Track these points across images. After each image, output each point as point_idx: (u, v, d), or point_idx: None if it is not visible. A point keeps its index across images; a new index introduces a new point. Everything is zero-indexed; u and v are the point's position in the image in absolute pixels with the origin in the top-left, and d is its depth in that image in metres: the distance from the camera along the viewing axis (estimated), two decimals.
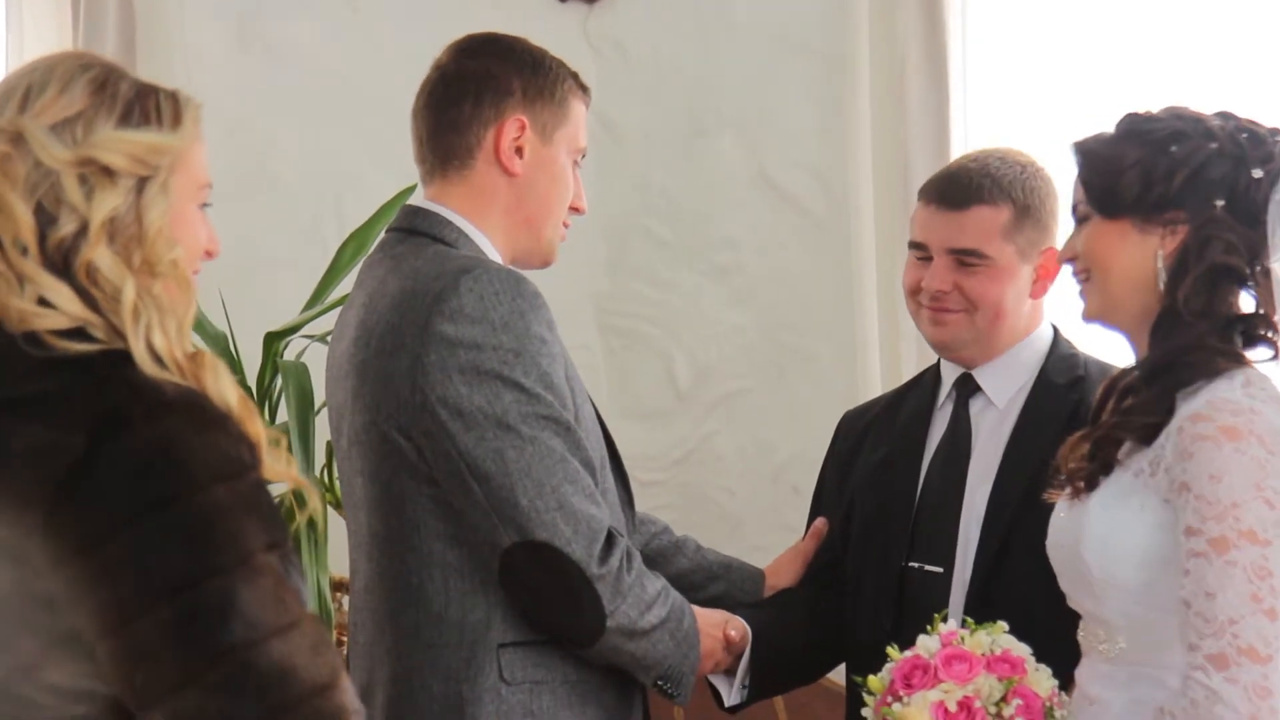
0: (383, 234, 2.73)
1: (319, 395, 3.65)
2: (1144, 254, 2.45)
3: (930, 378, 3.11)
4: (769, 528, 4.09)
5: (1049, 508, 2.64)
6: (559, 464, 2.47)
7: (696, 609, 2.68)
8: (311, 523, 3.55)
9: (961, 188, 2.97)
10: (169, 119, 1.93)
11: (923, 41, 3.94)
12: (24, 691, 1.80)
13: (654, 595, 2.54)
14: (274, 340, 3.76)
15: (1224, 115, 2.49)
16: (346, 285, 3.84)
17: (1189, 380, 2.39)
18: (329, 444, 3.72)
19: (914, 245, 3.03)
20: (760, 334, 4.27)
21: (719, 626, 2.73)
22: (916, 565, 2.95)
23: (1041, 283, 2.99)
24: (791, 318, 4.24)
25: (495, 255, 2.64)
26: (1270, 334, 2.43)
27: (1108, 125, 2.56)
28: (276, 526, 1.83)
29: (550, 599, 2.49)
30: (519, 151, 2.64)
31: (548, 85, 2.67)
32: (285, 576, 1.81)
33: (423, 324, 2.47)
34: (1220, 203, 2.41)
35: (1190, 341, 2.40)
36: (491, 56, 2.68)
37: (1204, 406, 2.33)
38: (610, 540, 2.49)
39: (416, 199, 2.71)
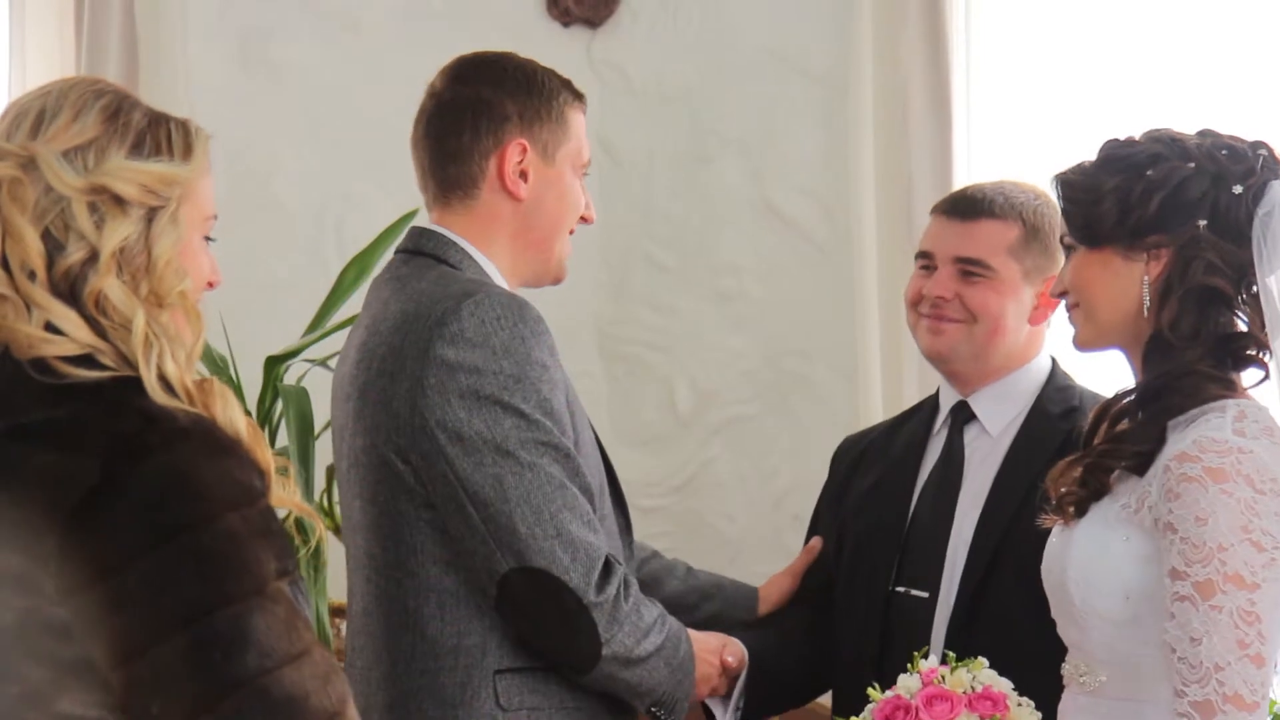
0: (391, 254, 2.71)
1: (319, 419, 3.65)
2: (1130, 281, 2.42)
3: (929, 406, 3.12)
4: (770, 554, 4.07)
5: (1036, 535, 2.63)
6: (557, 491, 2.45)
7: (694, 633, 2.66)
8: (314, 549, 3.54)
9: (973, 202, 3.01)
10: (180, 150, 1.93)
11: (925, 67, 3.94)
12: None
13: (650, 623, 2.53)
14: (275, 364, 3.75)
15: (1203, 133, 2.46)
16: (348, 309, 3.84)
17: (1180, 408, 2.36)
18: (329, 469, 3.70)
19: (920, 255, 3.05)
20: (762, 360, 4.26)
21: (716, 652, 2.72)
22: (903, 590, 2.96)
23: (1042, 310, 3.00)
24: (793, 343, 4.23)
25: (501, 280, 2.62)
26: (1260, 354, 2.40)
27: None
28: (286, 553, 1.82)
29: (547, 626, 2.48)
30: (523, 175, 2.63)
31: (544, 104, 2.65)
32: (296, 604, 1.81)
33: (424, 347, 2.46)
34: (1202, 223, 2.38)
35: (1181, 367, 2.37)
36: (484, 82, 2.66)
37: (1191, 446, 2.29)
38: (608, 568, 2.48)
39: (423, 221, 2.70)
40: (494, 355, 2.45)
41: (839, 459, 3.22)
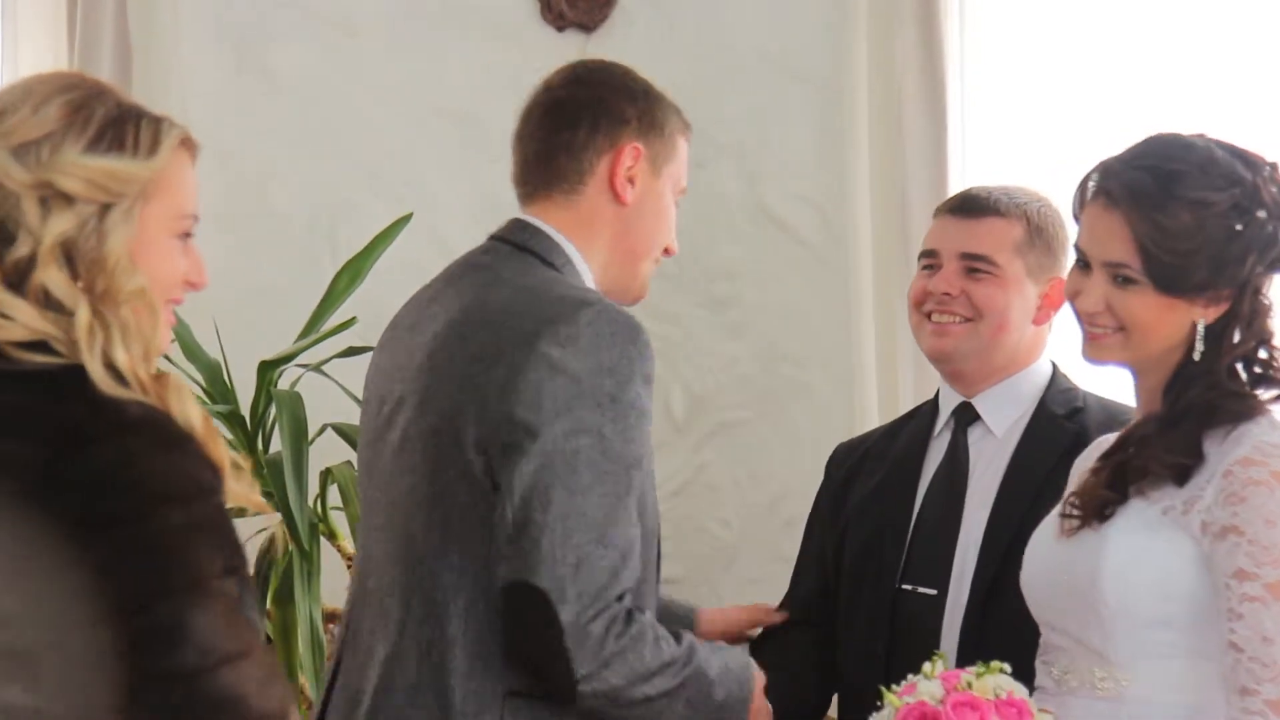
0: (487, 239, 2.66)
1: (313, 424, 3.64)
2: (1186, 321, 2.43)
3: (928, 409, 3.14)
4: (765, 559, 4.06)
5: None
6: (597, 524, 2.38)
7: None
8: (305, 553, 3.53)
9: (978, 200, 3.05)
10: (145, 146, 1.92)
11: (920, 71, 3.94)
12: None
13: (655, 666, 2.43)
14: (268, 369, 3.74)
15: (1251, 163, 2.44)
16: (341, 314, 3.83)
17: (1216, 423, 2.37)
18: (322, 473, 3.70)
19: (924, 255, 3.07)
20: (757, 365, 4.25)
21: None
22: (910, 588, 2.97)
23: (1046, 310, 3.03)
24: (788, 349, 4.22)
25: (592, 285, 2.60)
26: (1275, 372, 2.42)
27: (1107, 153, 2.52)
28: (235, 552, 1.81)
29: (531, 647, 2.41)
30: (631, 180, 2.62)
31: (659, 118, 2.66)
32: (240, 604, 1.79)
33: (530, 341, 2.41)
34: (1252, 259, 2.40)
35: (1213, 385, 2.39)
36: (605, 85, 2.66)
37: (1253, 451, 2.32)
38: (606, 608, 2.39)
39: (522, 213, 2.65)
40: (598, 370, 2.40)
41: (835, 464, 3.23)
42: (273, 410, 3.67)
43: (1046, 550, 2.49)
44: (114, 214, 1.89)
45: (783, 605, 3.18)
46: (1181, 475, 2.37)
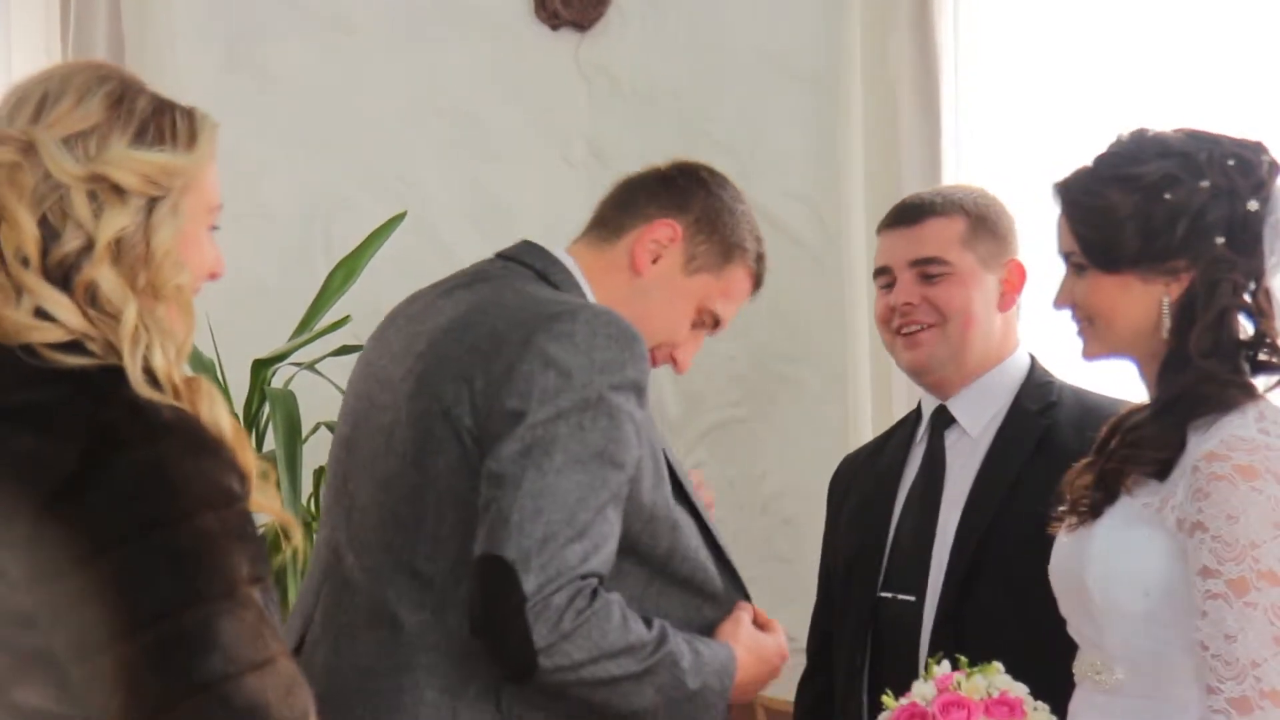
0: (506, 260, 2.66)
1: (306, 423, 3.64)
2: (1148, 302, 2.42)
3: (913, 417, 3.15)
4: (759, 558, 4.06)
5: (1017, 533, 2.63)
6: (572, 506, 2.38)
7: (750, 641, 2.57)
8: (297, 551, 3.52)
9: (914, 207, 3.07)
10: (184, 139, 1.90)
11: (915, 70, 3.94)
12: None
13: (620, 645, 2.41)
14: (262, 368, 3.74)
15: (1203, 140, 2.45)
16: (336, 312, 3.83)
17: (1201, 413, 2.37)
18: (316, 471, 3.70)
19: (879, 273, 3.09)
20: (751, 363, 4.25)
21: (776, 654, 2.61)
22: (890, 595, 2.98)
23: (1009, 295, 3.04)
24: (782, 347, 4.23)
25: None
26: (1274, 357, 2.41)
27: (1098, 153, 2.54)
28: (260, 560, 1.79)
29: (486, 618, 2.39)
30: (655, 258, 2.63)
31: (725, 228, 2.66)
32: (266, 611, 1.78)
33: (527, 338, 2.43)
34: (1220, 240, 2.39)
35: (1200, 375, 2.38)
36: (699, 181, 2.69)
37: (1218, 445, 2.31)
38: (567, 583, 2.37)
39: (544, 243, 2.67)
40: (589, 368, 2.41)
41: (835, 483, 3.25)
42: (266, 409, 3.67)
43: (1059, 546, 2.51)
44: (162, 208, 1.86)
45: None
46: (1163, 471, 2.37)
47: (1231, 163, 2.41)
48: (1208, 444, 2.32)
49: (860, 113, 4.01)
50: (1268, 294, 2.40)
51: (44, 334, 1.81)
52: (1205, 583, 2.27)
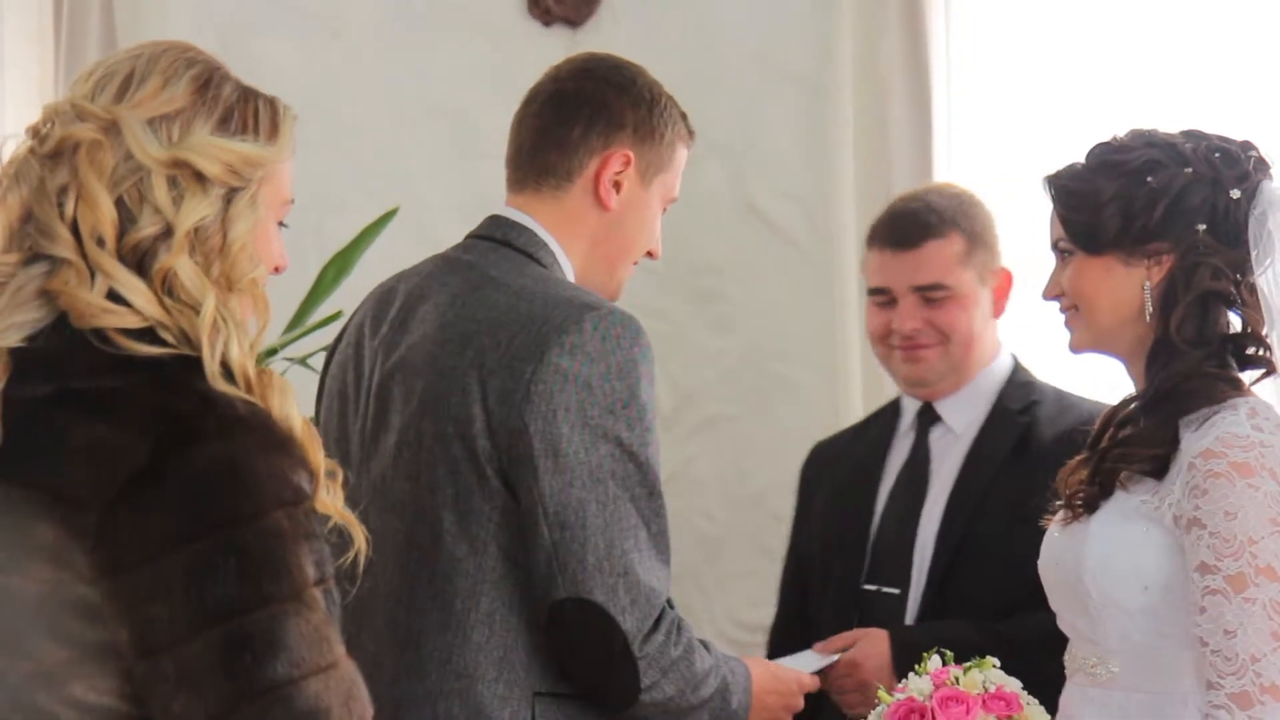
0: (466, 238, 2.65)
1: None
2: (1131, 286, 2.45)
3: (890, 410, 3.17)
4: (749, 553, 4.07)
5: (998, 529, 2.66)
6: (634, 530, 2.40)
7: (766, 669, 2.62)
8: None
9: (910, 227, 3.08)
10: (266, 129, 1.87)
11: (906, 69, 3.95)
12: (40, 702, 1.72)
13: (702, 674, 2.46)
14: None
15: (1193, 135, 2.49)
16: (328, 308, 3.83)
17: (1191, 408, 2.39)
18: None
19: (875, 291, 3.09)
20: (742, 360, 4.26)
21: (786, 694, 2.65)
22: (874, 588, 3.00)
23: (1000, 303, 3.07)
24: (774, 344, 4.24)
25: (573, 281, 2.59)
26: (1261, 351, 2.43)
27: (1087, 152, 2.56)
28: (325, 560, 1.76)
29: (590, 661, 2.42)
30: (616, 186, 2.60)
31: (659, 126, 2.63)
32: (329, 614, 1.74)
33: (539, 352, 2.41)
34: (1202, 227, 2.41)
35: (1188, 369, 2.40)
36: (610, 84, 2.63)
37: (1214, 443, 2.33)
38: (660, 614, 2.42)
39: (502, 209, 2.64)
40: (608, 375, 2.41)
41: (806, 468, 3.27)
42: None
43: (1050, 541, 2.52)
44: (241, 199, 1.82)
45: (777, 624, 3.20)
46: (1159, 469, 2.39)
47: (1217, 155, 2.45)
48: (1203, 441, 2.34)
49: (851, 112, 4.03)
50: (1252, 289, 2.42)
51: (119, 319, 1.77)
52: (1204, 579, 2.29)
